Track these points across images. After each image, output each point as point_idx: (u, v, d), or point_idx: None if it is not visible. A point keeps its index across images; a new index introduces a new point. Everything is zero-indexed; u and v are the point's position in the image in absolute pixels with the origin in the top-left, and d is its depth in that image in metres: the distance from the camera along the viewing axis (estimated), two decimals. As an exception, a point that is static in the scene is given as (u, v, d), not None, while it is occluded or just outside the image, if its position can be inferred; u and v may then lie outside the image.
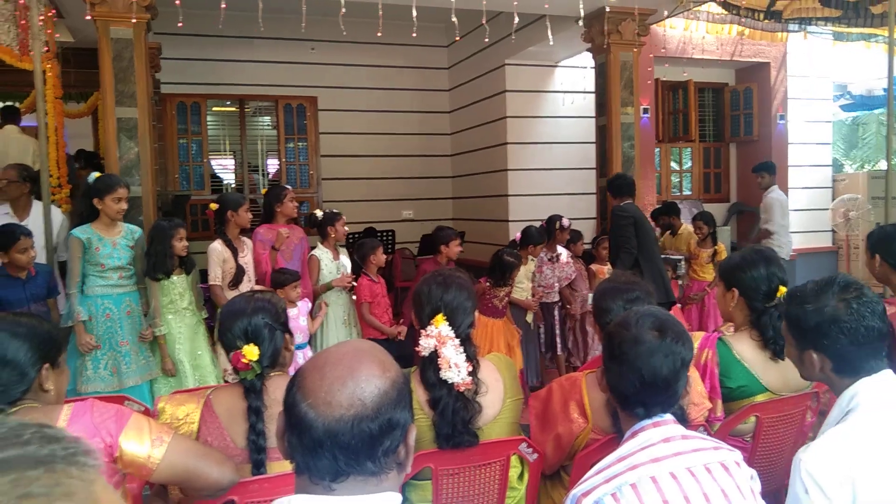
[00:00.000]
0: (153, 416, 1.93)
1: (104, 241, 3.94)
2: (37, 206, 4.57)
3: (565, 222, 5.78)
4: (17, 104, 6.95)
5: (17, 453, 0.37)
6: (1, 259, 3.85)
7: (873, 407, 1.47)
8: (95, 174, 4.09)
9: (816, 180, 9.60)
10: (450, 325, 2.04)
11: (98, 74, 5.05)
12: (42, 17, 4.80)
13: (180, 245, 4.13)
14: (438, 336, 2.01)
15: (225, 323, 2.03)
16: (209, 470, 1.73)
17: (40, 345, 1.74)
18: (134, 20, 4.88)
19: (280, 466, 1.89)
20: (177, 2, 4.72)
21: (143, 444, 1.67)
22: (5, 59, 5.25)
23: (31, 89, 5.56)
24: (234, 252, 4.41)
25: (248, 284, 4.41)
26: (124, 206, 4.00)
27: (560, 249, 5.80)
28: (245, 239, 4.65)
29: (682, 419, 2.03)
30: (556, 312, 5.78)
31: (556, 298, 5.74)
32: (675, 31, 7.54)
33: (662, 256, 6.32)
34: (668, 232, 6.98)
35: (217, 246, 4.41)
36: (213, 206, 4.60)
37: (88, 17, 4.95)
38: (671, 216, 6.86)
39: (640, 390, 1.50)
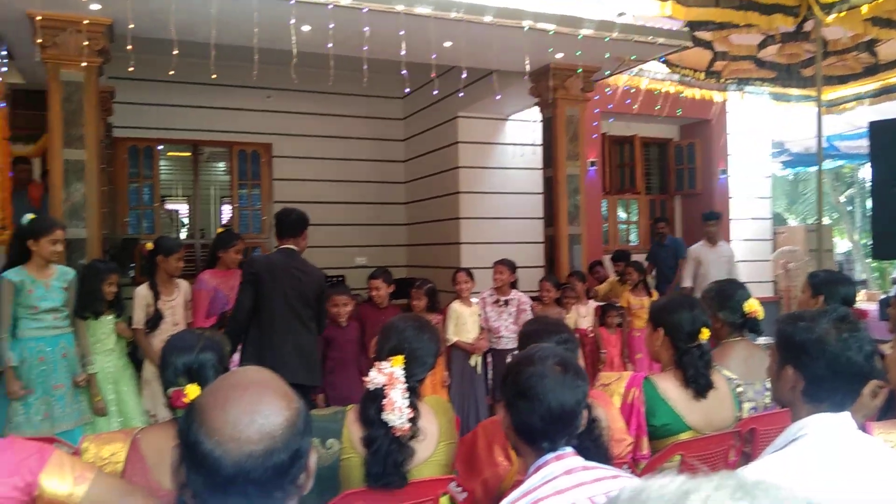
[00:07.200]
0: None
1: (37, 283, 3.89)
2: None
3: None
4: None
5: None
6: None
7: (818, 440, 1.49)
8: (29, 216, 4.06)
9: (757, 232, 9.95)
10: (405, 369, 2.04)
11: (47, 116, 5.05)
12: (-9, 59, 4.82)
13: (108, 290, 4.23)
14: (390, 376, 2.00)
15: (167, 358, 1.97)
16: None
17: None
18: (85, 64, 4.91)
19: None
20: (129, 47, 4.76)
21: (64, 481, 1.64)
22: (-49, 99, 5.23)
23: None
24: (157, 296, 4.45)
25: (172, 328, 4.35)
26: (60, 248, 3.96)
27: (514, 294, 5.62)
28: (180, 282, 4.65)
29: (606, 456, 2.09)
30: (509, 358, 5.67)
31: (510, 345, 5.37)
32: (621, 87, 7.85)
33: (607, 304, 6.38)
34: (619, 280, 7.12)
35: (142, 290, 4.50)
36: (150, 245, 4.64)
37: (38, 60, 4.96)
38: (624, 263, 7.00)
39: (548, 424, 1.54)
